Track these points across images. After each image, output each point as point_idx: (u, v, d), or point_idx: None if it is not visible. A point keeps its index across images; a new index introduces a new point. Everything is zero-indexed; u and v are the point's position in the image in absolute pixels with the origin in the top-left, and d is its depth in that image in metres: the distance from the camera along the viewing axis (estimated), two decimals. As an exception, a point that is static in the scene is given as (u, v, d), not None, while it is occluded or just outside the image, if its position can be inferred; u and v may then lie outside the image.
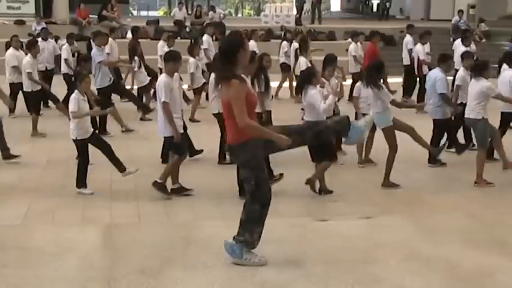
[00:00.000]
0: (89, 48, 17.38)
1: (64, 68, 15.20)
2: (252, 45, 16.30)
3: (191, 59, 13.72)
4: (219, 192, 8.84)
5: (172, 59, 8.56)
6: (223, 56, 6.07)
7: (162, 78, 8.57)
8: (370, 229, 7.46)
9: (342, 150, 10.77)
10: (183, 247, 6.79)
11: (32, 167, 10.16)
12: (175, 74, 8.96)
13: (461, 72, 11.13)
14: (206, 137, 11.08)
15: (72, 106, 8.66)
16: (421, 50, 15.98)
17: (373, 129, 9.85)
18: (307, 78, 8.61)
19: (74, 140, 8.81)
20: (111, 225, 7.55)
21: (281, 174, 8.92)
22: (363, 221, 7.76)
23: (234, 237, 6.35)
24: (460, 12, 27.26)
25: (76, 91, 8.78)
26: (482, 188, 9.16)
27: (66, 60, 15.22)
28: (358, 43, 17.06)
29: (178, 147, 8.61)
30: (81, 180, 8.74)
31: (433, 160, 10.40)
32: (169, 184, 8.67)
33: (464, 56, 11.47)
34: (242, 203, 6.24)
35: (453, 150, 10.88)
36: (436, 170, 10.11)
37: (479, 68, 9.42)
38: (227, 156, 9.75)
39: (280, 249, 6.66)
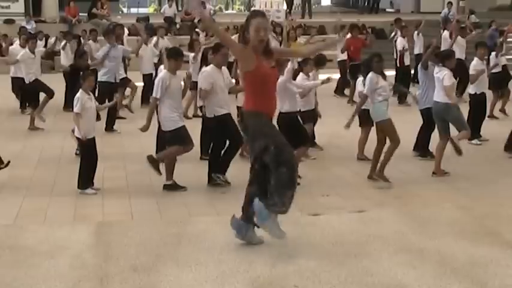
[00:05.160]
0: (79, 46, 17.26)
1: None
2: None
3: (191, 55, 13.65)
4: (211, 188, 8.83)
5: (173, 56, 8.57)
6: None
7: (160, 74, 8.68)
8: (362, 222, 7.47)
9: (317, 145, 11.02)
10: (175, 244, 6.79)
11: (24, 165, 10.11)
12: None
13: (475, 62, 11.17)
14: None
15: (76, 107, 8.52)
16: (401, 42, 16.10)
17: (370, 124, 9.79)
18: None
19: (79, 139, 8.74)
20: (103, 223, 7.53)
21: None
22: (355, 214, 7.77)
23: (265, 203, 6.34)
24: (449, 4, 27.31)
25: (80, 90, 8.65)
26: (472, 180, 9.17)
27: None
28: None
29: (181, 139, 8.59)
30: (84, 181, 8.64)
31: (421, 151, 10.49)
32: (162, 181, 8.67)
33: (478, 45, 11.58)
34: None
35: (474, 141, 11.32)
36: (424, 162, 10.12)
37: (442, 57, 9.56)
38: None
39: (272, 244, 6.65)
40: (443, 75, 9.25)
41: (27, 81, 13.12)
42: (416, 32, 17.27)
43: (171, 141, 8.70)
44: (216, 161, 8.87)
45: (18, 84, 14.21)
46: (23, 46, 13.93)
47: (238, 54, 6.44)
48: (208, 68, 8.96)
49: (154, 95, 8.57)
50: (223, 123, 8.82)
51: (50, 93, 13.21)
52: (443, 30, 18.32)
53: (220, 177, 8.77)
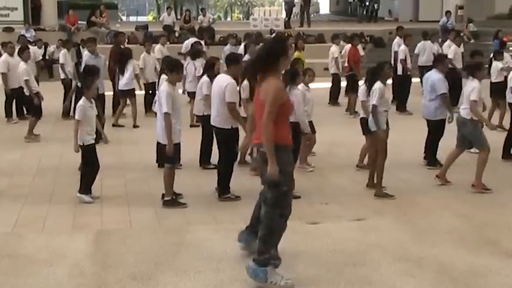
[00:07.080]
0: (78, 55, 17.31)
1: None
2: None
3: (196, 63, 13.63)
4: (210, 196, 8.80)
5: (175, 69, 8.37)
6: (267, 59, 6.03)
7: (165, 88, 8.29)
8: (361, 231, 7.47)
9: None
10: (174, 252, 6.78)
11: (22, 173, 10.11)
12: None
13: None
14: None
15: (78, 114, 8.51)
16: (404, 51, 16.07)
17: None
18: (290, 78, 8.91)
19: (80, 146, 8.70)
20: (102, 231, 7.52)
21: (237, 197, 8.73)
22: (354, 223, 7.76)
23: (253, 259, 5.98)
24: (448, 13, 27.39)
25: (83, 98, 8.66)
26: (471, 189, 9.15)
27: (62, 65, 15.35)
28: (348, 44, 17.09)
29: (169, 156, 8.54)
30: (85, 187, 8.61)
31: (432, 162, 10.43)
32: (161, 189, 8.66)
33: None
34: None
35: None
36: (424, 171, 10.13)
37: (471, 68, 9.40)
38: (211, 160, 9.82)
39: (271, 252, 6.63)
40: (471, 88, 9.07)
41: (27, 93, 12.96)
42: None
43: (163, 155, 8.65)
44: (229, 172, 8.75)
45: (16, 95, 14.08)
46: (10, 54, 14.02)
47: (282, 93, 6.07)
48: (230, 80, 8.71)
49: (165, 110, 8.12)
50: (236, 136, 8.75)
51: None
52: (441, 39, 18.44)
53: (230, 196, 8.62)
